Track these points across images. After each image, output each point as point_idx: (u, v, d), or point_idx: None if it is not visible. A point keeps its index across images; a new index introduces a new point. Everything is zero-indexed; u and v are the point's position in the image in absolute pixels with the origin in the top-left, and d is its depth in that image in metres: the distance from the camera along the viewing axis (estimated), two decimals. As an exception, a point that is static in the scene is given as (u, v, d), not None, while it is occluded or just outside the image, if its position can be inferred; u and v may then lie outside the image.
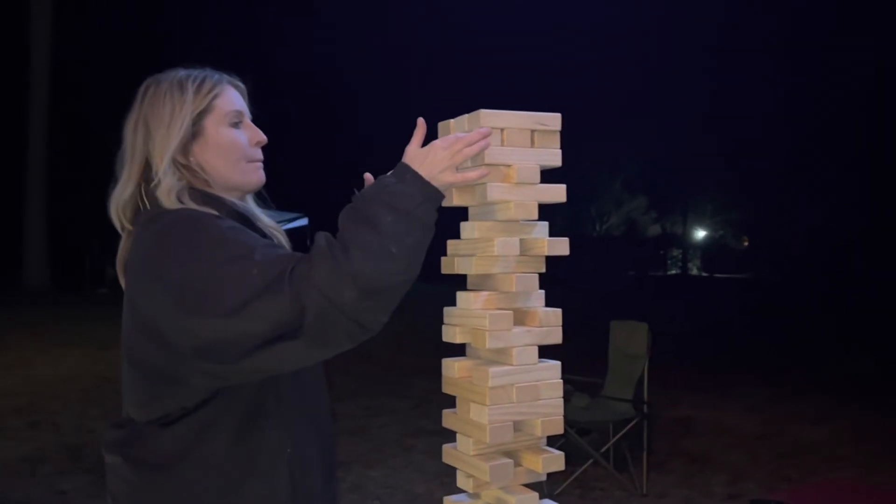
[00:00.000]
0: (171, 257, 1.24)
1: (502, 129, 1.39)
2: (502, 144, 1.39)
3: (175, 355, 1.23)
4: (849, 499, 3.78)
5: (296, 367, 1.24)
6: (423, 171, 1.29)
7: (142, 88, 1.42)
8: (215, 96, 1.41)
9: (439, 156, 1.31)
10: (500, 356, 1.42)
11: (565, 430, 4.68)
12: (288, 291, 1.15)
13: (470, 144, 1.32)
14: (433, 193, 1.29)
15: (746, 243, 40.54)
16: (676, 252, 40.60)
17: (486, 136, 1.34)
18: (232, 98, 1.43)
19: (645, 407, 4.86)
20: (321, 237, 1.22)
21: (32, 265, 17.76)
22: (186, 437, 1.29)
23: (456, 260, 1.44)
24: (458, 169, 1.33)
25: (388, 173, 1.31)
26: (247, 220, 1.39)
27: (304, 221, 16.12)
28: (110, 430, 1.40)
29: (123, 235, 1.41)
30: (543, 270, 1.45)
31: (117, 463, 1.35)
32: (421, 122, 1.42)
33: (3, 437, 5.65)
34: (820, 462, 5.39)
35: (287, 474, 1.34)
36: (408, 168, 1.29)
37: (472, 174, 1.34)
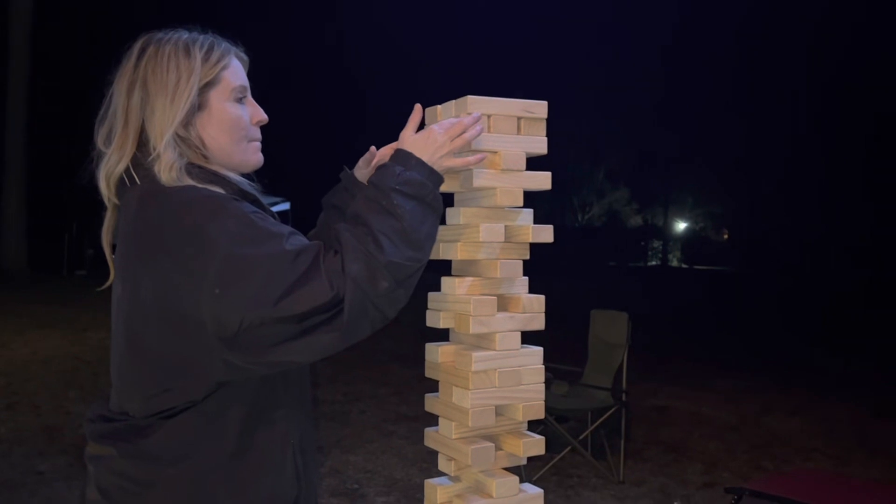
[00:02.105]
0: (198, 241, 1.14)
1: (489, 116, 1.40)
2: (489, 131, 1.40)
3: (198, 344, 1.16)
4: (820, 487, 3.84)
5: (318, 358, 1.19)
6: (425, 156, 1.30)
7: (137, 45, 1.30)
8: (223, 67, 1.31)
9: (439, 141, 1.31)
10: (483, 341, 1.43)
11: (545, 417, 4.71)
12: (325, 281, 1.13)
13: (466, 129, 1.33)
14: (438, 179, 1.30)
15: (726, 236, 40.90)
16: (657, 243, 40.91)
17: (478, 121, 1.36)
18: (238, 71, 1.34)
19: (623, 396, 4.90)
20: (343, 229, 1.20)
21: (10, 247, 17.54)
22: (193, 429, 1.22)
23: (440, 245, 1.45)
24: (456, 154, 1.34)
25: (390, 160, 1.30)
26: (255, 201, 1.31)
27: (285, 206, 16.05)
28: (99, 423, 1.30)
29: (109, 208, 1.31)
30: (528, 257, 1.46)
31: (110, 455, 1.26)
32: (418, 107, 1.42)
33: (-21, 418, 5.61)
34: (793, 452, 5.48)
35: (292, 464, 1.31)
36: (411, 155, 1.29)
37: (472, 159, 1.36)
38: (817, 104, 29.41)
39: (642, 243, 40.80)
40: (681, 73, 33.41)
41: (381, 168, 1.29)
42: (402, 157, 1.29)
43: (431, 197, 1.26)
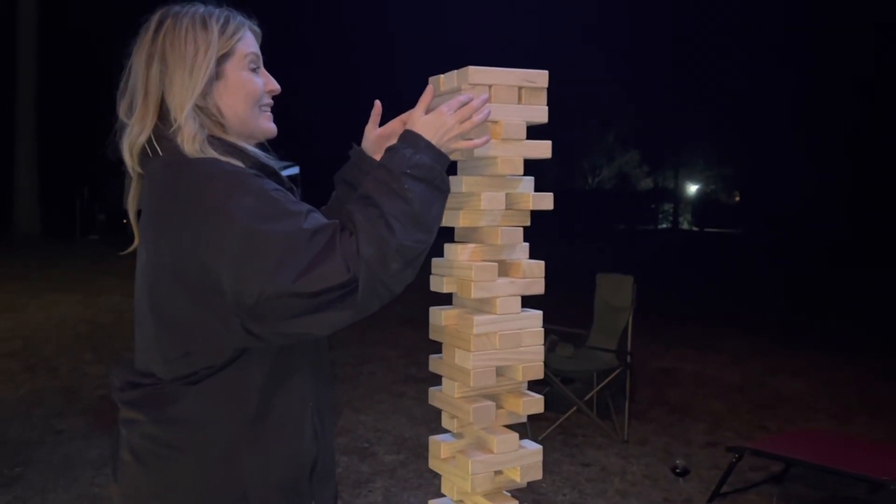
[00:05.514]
0: (217, 215, 1.18)
1: (490, 86, 1.43)
2: (490, 101, 1.42)
3: (217, 312, 1.22)
4: (821, 446, 3.91)
5: (330, 332, 1.24)
6: (434, 139, 1.34)
7: (155, 18, 1.34)
8: (238, 39, 1.36)
9: (448, 123, 1.35)
10: (484, 305, 1.48)
11: (550, 378, 4.79)
12: (341, 262, 1.17)
13: (475, 111, 1.37)
14: (445, 161, 1.35)
15: (737, 198, 40.64)
16: (668, 206, 40.68)
17: (485, 103, 1.39)
18: (251, 42, 1.39)
19: (628, 357, 4.97)
20: (356, 211, 1.24)
21: (23, 212, 17.69)
22: (216, 395, 1.28)
23: (444, 213, 1.49)
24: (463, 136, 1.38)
25: (399, 141, 1.34)
26: (273, 174, 1.35)
27: (295, 170, 16.06)
28: (128, 390, 1.35)
29: (134, 178, 1.35)
30: (528, 224, 1.50)
31: (139, 420, 1.32)
32: (430, 88, 1.45)
33: (0, 380, 5.75)
34: (797, 413, 5.55)
35: (311, 426, 1.37)
36: (420, 137, 1.33)
37: (479, 141, 1.39)
38: (828, 62, 28.95)
39: (653, 206, 40.58)
40: (690, 34, 32.91)
41: (390, 150, 1.33)
42: (411, 138, 1.33)
43: (440, 180, 1.31)
